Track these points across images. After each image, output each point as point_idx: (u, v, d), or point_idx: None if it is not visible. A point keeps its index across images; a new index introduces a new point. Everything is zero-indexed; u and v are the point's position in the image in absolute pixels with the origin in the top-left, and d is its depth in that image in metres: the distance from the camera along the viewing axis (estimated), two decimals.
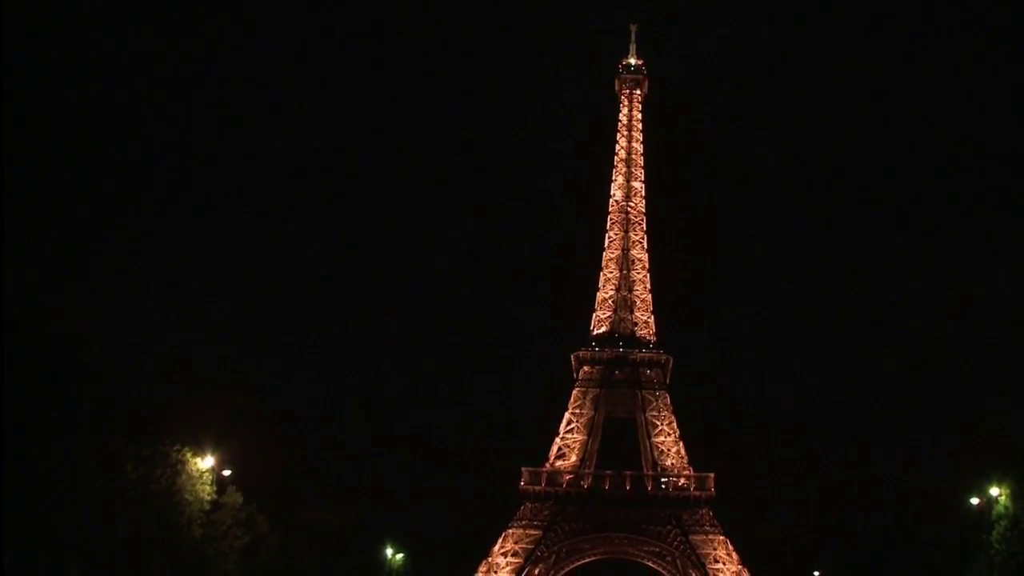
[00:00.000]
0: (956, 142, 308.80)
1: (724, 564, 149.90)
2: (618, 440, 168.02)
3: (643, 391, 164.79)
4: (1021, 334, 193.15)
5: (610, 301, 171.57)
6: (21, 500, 46.82)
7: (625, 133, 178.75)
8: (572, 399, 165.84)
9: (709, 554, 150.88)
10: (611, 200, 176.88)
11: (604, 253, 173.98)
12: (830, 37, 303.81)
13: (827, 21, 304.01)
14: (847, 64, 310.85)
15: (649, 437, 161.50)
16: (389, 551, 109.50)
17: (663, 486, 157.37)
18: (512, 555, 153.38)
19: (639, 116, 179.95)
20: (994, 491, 71.49)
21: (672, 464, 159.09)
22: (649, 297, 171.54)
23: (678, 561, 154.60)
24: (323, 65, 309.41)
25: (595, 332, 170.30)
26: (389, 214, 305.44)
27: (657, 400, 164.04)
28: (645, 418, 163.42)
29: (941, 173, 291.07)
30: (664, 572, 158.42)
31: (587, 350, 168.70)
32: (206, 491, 65.98)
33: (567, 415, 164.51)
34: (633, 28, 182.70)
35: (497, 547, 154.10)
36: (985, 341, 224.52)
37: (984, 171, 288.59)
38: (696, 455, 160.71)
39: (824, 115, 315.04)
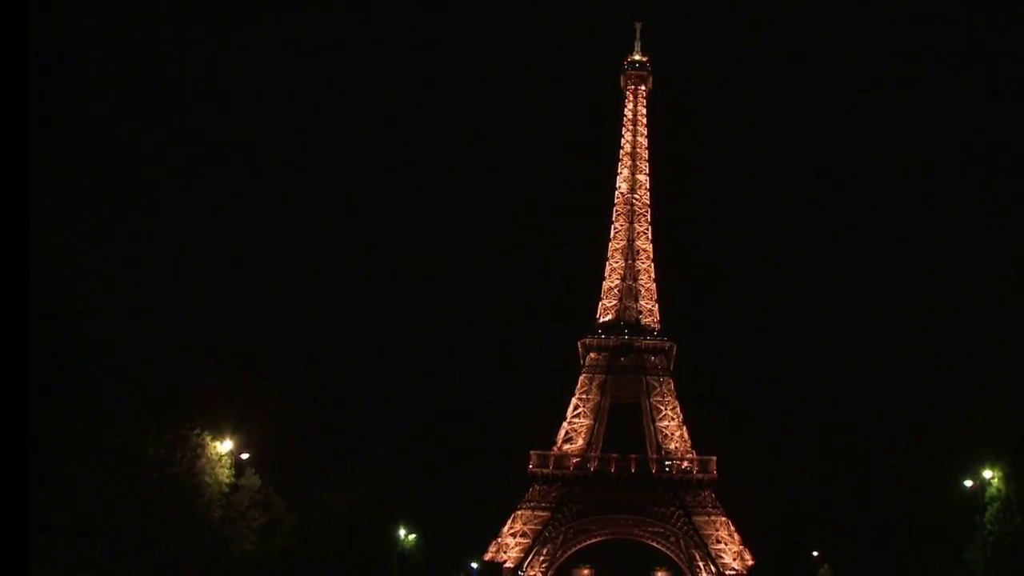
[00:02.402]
0: (958, 138, 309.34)
1: (726, 544, 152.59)
2: (623, 424, 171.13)
3: (648, 377, 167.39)
4: (1014, 320, 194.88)
5: (616, 290, 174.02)
6: (48, 480, 48.44)
7: (630, 127, 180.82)
8: (579, 385, 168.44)
9: (711, 534, 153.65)
10: (617, 192, 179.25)
11: (610, 244, 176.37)
12: (832, 35, 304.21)
13: (829, 19, 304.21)
14: (849, 61, 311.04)
15: (653, 422, 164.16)
16: (402, 531, 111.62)
17: (667, 469, 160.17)
18: (521, 535, 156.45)
19: (644, 111, 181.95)
20: (987, 474, 72.11)
21: (676, 448, 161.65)
22: (653, 286, 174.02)
23: (681, 541, 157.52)
24: (325, 65, 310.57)
25: (601, 320, 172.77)
26: (395, 212, 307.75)
27: (661, 386, 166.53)
28: (650, 403, 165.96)
29: (940, 170, 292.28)
30: (668, 552, 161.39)
31: (593, 337, 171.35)
32: (225, 474, 67.55)
33: (574, 400, 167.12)
34: (638, 25, 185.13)
35: (506, 528, 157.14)
36: (979, 327, 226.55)
37: (980, 168, 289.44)
38: (699, 439, 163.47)
39: (826, 110, 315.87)
